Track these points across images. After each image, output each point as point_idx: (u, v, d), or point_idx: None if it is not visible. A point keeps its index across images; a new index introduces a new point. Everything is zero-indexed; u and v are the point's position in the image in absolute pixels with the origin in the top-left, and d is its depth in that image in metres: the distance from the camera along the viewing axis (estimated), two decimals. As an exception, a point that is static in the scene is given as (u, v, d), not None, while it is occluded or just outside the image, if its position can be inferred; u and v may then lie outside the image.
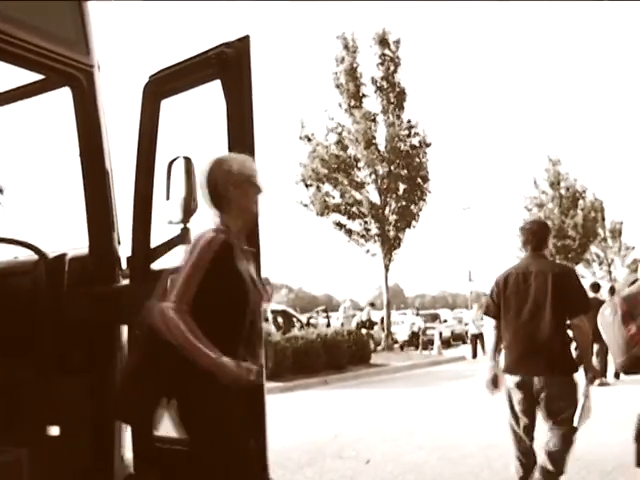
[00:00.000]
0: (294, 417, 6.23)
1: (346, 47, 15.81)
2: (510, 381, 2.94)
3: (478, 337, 14.48)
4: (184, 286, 1.76)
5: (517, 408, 2.94)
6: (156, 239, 2.35)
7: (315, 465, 4.21)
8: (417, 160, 15.74)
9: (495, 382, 3.01)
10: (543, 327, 2.87)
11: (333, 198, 15.58)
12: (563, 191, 25.34)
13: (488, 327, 3.14)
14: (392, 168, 15.49)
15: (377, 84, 15.97)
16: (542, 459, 2.89)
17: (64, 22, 2.41)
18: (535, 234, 3.07)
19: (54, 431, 2.38)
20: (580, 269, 27.36)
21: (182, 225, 2.19)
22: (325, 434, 5.28)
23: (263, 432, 2.03)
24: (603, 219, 30.01)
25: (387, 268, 15.99)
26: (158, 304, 1.75)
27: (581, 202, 25.51)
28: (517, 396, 2.93)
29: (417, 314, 21.23)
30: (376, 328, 16.08)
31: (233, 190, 1.86)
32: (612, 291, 8.45)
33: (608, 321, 2.55)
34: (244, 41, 2.15)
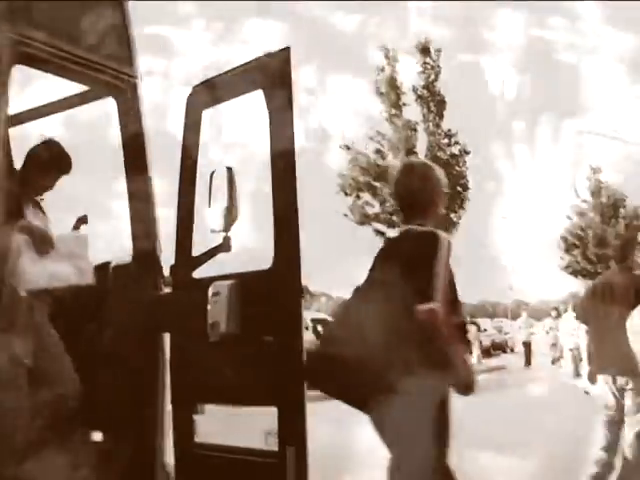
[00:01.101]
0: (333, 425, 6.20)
1: (387, 56, 15.86)
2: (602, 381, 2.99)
3: (528, 345, 14.36)
4: (441, 285, 1.82)
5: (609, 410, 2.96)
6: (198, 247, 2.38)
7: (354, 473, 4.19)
8: (457, 169, 15.72)
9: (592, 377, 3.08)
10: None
11: (373, 207, 15.64)
12: (604, 199, 24.97)
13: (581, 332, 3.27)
14: None
15: (417, 92, 15.98)
16: None
17: (109, 34, 2.46)
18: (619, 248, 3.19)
19: (97, 437, 2.43)
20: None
21: (224, 233, 2.23)
22: (363, 443, 5.24)
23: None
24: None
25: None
26: (427, 305, 1.78)
27: (622, 210, 25.10)
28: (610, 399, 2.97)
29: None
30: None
31: (442, 198, 2.06)
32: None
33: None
34: (285, 51, 2.18)
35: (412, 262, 1.82)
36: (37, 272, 2.27)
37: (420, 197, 2.02)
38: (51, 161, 2.51)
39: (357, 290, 1.99)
